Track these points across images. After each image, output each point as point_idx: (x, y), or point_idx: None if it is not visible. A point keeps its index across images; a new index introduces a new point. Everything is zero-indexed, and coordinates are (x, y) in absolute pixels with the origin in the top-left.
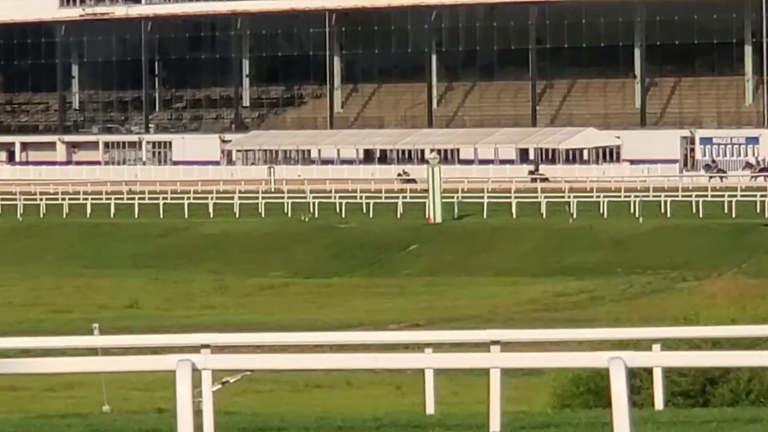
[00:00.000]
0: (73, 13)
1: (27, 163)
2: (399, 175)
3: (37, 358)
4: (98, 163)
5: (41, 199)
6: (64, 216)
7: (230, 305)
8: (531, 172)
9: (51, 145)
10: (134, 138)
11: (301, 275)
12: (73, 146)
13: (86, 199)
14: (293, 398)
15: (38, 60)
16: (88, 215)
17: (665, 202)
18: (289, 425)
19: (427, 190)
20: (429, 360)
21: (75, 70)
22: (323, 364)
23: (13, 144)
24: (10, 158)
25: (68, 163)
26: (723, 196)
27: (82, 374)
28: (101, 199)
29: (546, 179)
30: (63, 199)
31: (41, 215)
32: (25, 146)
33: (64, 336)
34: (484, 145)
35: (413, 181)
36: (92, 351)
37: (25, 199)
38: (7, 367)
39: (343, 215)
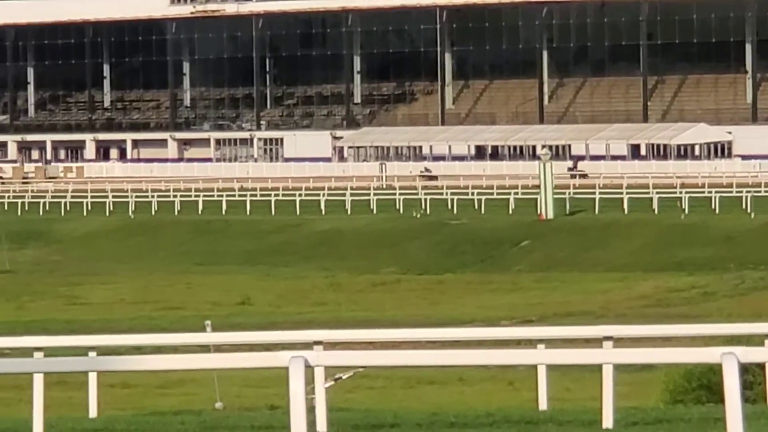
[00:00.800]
0: (184, 10)
1: (138, 160)
2: (421, 172)
3: (150, 355)
4: (210, 160)
5: (153, 197)
6: (176, 213)
7: (342, 302)
8: (570, 169)
9: (162, 143)
10: (246, 135)
11: (413, 272)
12: (184, 143)
13: (198, 196)
14: (406, 394)
15: (149, 57)
16: (199, 212)
17: None
18: (401, 421)
19: (446, 186)
20: (541, 356)
21: (186, 68)
22: (436, 360)
23: (124, 141)
24: (122, 156)
25: (180, 160)
26: None
27: (194, 371)
28: (213, 196)
29: (585, 175)
30: (174, 196)
31: (153, 212)
32: (136, 143)
33: (176, 333)
34: (595, 141)
35: (435, 178)
36: (204, 348)
37: (136, 197)
38: (119, 364)
39: (455, 211)
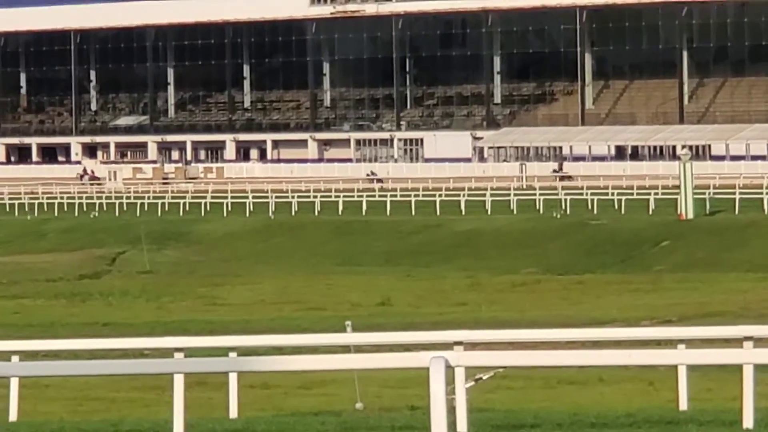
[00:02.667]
0: (324, 10)
1: (278, 160)
2: (368, 175)
3: (290, 355)
4: (350, 160)
5: (293, 197)
6: (316, 214)
7: (482, 302)
8: (555, 171)
9: (302, 143)
10: (386, 135)
11: (553, 272)
12: (324, 144)
13: (338, 196)
14: (546, 395)
15: (289, 58)
16: (339, 213)
17: None
18: (542, 422)
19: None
20: (682, 356)
21: (326, 68)
22: (576, 360)
23: (264, 142)
24: (262, 156)
25: (320, 160)
26: None
27: (335, 371)
28: (353, 196)
29: (570, 177)
30: (314, 196)
31: (293, 213)
32: (276, 144)
33: (316, 333)
34: (735, 141)
35: (380, 180)
36: (345, 348)
37: (276, 197)
38: (260, 364)
39: (595, 211)
